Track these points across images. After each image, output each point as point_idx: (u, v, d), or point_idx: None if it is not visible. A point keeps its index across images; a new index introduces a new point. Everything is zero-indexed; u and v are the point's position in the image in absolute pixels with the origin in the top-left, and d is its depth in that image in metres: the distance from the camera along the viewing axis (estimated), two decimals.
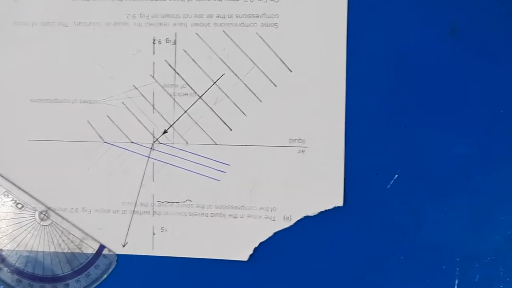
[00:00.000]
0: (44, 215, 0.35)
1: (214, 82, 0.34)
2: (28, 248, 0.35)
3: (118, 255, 0.35)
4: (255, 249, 0.34)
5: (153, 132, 0.35)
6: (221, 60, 0.34)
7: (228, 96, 0.34)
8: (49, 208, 0.35)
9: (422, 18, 0.33)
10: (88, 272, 0.35)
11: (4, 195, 0.35)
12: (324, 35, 0.33)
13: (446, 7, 0.33)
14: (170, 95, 0.34)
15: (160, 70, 0.34)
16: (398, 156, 0.33)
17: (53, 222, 0.35)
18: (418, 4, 0.33)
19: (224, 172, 0.34)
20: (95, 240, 0.35)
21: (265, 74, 0.34)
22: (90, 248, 0.35)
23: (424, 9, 0.33)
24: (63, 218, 0.35)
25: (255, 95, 0.34)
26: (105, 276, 0.35)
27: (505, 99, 0.33)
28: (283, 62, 0.34)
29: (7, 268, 0.35)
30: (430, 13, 0.33)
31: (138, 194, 0.35)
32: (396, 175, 0.33)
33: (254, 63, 0.34)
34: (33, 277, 0.35)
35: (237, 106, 0.34)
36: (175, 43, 0.34)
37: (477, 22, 0.33)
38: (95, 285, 0.35)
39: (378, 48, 0.33)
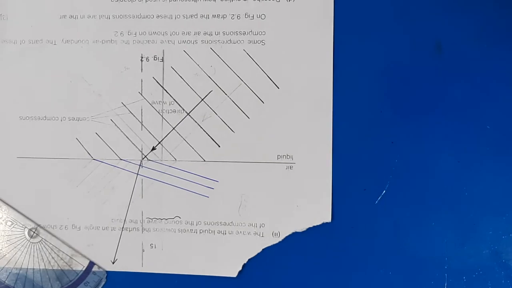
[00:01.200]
0: (34, 232, 0.35)
1: (202, 99, 0.34)
2: (18, 265, 0.35)
3: (108, 272, 0.35)
4: (244, 265, 0.34)
5: (142, 149, 0.35)
6: (209, 77, 0.34)
7: (216, 113, 0.34)
8: (38, 225, 0.35)
9: (407, 34, 0.33)
10: None
11: None
12: (311, 52, 0.33)
13: (431, 23, 0.33)
14: (158, 112, 0.34)
15: (148, 87, 0.34)
16: (386, 172, 0.33)
17: (43, 239, 0.35)
18: (403, 21, 0.33)
19: (213, 188, 0.34)
20: (84, 257, 0.35)
21: (252, 91, 0.34)
22: (80, 265, 0.35)
23: (410, 26, 0.33)
24: (53, 235, 0.35)
25: (242, 111, 0.34)
26: None
27: (491, 114, 0.33)
28: (270, 79, 0.34)
29: None
30: (415, 29, 0.33)
31: (127, 211, 0.35)
32: (384, 191, 0.33)
33: (241, 79, 0.34)
34: None
35: (225, 123, 0.34)
36: (162, 60, 0.34)
37: (463, 38, 0.33)
38: None
39: (365, 64, 0.33)
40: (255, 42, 0.34)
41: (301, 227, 0.34)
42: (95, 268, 0.35)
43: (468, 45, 0.33)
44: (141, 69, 0.34)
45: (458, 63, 0.33)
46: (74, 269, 0.35)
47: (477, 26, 0.33)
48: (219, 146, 0.34)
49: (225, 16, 0.34)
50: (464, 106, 0.33)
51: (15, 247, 0.35)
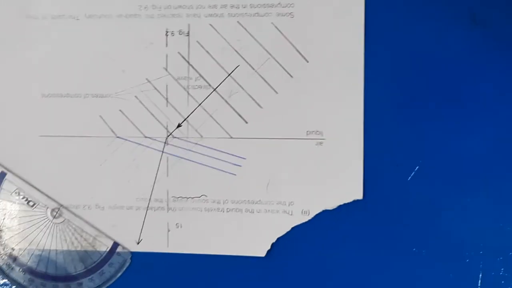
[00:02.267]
0: (57, 212, 0.35)
1: (229, 74, 0.33)
2: (40, 247, 0.35)
3: (133, 253, 0.34)
4: (273, 245, 0.33)
5: (167, 126, 0.34)
6: (236, 51, 0.33)
7: (243, 88, 0.33)
8: (61, 206, 0.35)
9: (441, 6, 0.32)
10: (102, 270, 0.34)
11: (15, 193, 0.35)
12: (341, 24, 0.33)
13: None
14: (184, 88, 0.34)
15: (173, 62, 0.34)
16: (419, 148, 0.32)
17: (66, 220, 0.35)
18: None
19: (240, 166, 0.33)
20: (108, 237, 0.34)
21: (280, 65, 0.33)
22: (104, 246, 0.34)
23: (446, 6, 0.32)
24: (76, 216, 0.34)
25: (270, 86, 0.33)
26: (119, 274, 0.34)
27: None
28: (299, 53, 0.33)
29: (19, 268, 0.34)
30: (448, 1, 0.32)
31: (152, 190, 0.34)
32: (417, 167, 0.32)
33: (269, 53, 0.33)
34: (45, 277, 0.34)
35: (252, 98, 0.33)
36: (188, 34, 0.34)
37: (498, 9, 0.32)
38: (109, 283, 0.34)
39: (397, 37, 0.32)
40: (283, 14, 0.33)
41: (331, 204, 0.33)
42: (119, 249, 0.34)
43: (504, 17, 0.32)
44: (166, 44, 0.34)
45: (494, 36, 0.32)
46: (98, 250, 0.34)
47: None
48: (247, 123, 0.33)
49: None
50: (500, 82, 0.32)
51: (37, 228, 0.35)
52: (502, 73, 0.32)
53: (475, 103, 0.32)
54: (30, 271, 0.34)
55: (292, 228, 0.33)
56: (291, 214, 0.33)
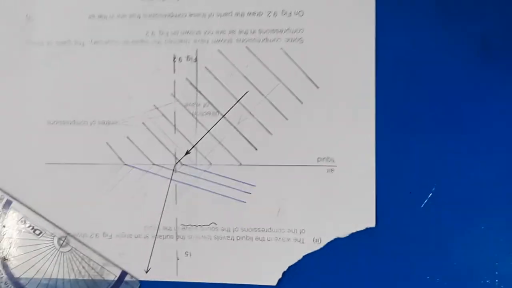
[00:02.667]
0: (63, 241, 0.34)
1: (238, 100, 0.33)
2: (47, 276, 0.34)
3: (141, 282, 0.34)
4: (284, 273, 0.33)
5: (175, 153, 0.33)
6: (245, 77, 0.33)
7: (252, 115, 0.33)
8: (68, 234, 0.34)
9: (452, 31, 0.32)
10: None
11: (21, 221, 0.34)
12: (352, 50, 0.32)
13: (476, 19, 0.31)
14: (192, 115, 0.33)
15: (181, 88, 0.33)
16: (432, 174, 0.32)
17: (73, 248, 0.34)
18: (447, 17, 0.32)
19: (250, 193, 0.33)
20: (116, 266, 0.34)
21: (290, 91, 0.33)
22: (112, 275, 0.34)
23: (454, 22, 0.31)
24: (83, 244, 0.34)
25: (280, 112, 0.33)
26: None
27: None
28: (309, 78, 0.32)
29: None
30: (459, 26, 0.31)
31: (161, 218, 0.33)
32: (430, 194, 0.32)
33: (279, 79, 0.33)
34: None
35: (262, 125, 0.33)
36: (196, 60, 0.33)
37: (509, 34, 0.31)
38: None
39: (408, 62, 0.32)
40: (293, 40, 0.32)
41: (343, 232, 0.32)
42: (127, 278, 0.34)
43: None
44: (174, 70, 0.33)
45: (504, 60, 0.31)
46: (105, 279, 0.34)
47: None
48: (256, 149, 0.33)
49: (261, 13, 0.32)
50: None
51: (44, 257, 0.34)
52: None
53: (488, 130, 0.32)
54: None
55: (304, 257, 0.33)
56: (303, 242, 0.33)
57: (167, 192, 0.33)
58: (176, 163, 0.33)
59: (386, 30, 0.32)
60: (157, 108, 0.33)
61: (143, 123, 0.33)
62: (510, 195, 0.31)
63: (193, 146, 0.33)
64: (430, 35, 0.32)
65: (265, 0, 0.32)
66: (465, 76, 0.32)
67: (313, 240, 0.33)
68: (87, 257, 0.34)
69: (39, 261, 0.34)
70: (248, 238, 0.33)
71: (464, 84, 0.32)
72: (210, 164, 0.33)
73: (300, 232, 0.33)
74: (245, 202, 0.33)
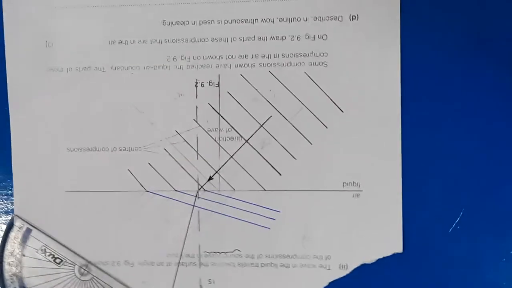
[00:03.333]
0: (84, 269, 0.33)
1: (261, 125, 0.32)
2: None
3: None
4: None
5: (198, 179, 0.33)
6: (268, 101, 0.32)
7: (276, 139, 0.32)
8: (89, 262, 0.33)
9: (481, 52, 0.31)
10: None
11: (41, 250, 0.33)
12: (377, 73, 0.32)
13: (508, 45, 0.31)
14: (215, 140, 0.33)
15: (204, 114, 0.33)
16: (460, 198, 0.31)
17: (94, 277, 0.33)
18: (476, 37, 0.31)
19: (274, 219, 0.32)
20: None
21: (314, 115, 0.32)
22: None
23: (482, 46, 0.31)
24: (104, 272, 0.33)
25: (305, 137, 0.32)
26: None
27: None
28: (334, 102, 0.32)
29: None
30: (493, 48, 0.31)
31: (183, 245, 0.33)
32: (458, 218, 0.31)
33: (302, 103, 0.32)
34: None
35: (286, 150, 0.32)
36: (218, 85, 0.33)
37: None
38: None
39: (434, 84, 0.32)
40: (316, 64, 0.32)
41: (370, 258, 0.32)
42: None
43: None
44: (196, 95, 0.33)
45: None
46: None
47: None
48: (280, 174, 0.32)
49: (284, 37, 0.32)
50: None
51: (65, 286, 0.33)
52: None
53: None
54: None
55: (330, 283, 0.32)
56: (329, 269, 0.32)
57: (190, 219, 0.33)
58: (199, 189, 0.33)
59: (412, 52, 0.31)
60: (179, 133, 0.33)
61: (165, 149, 0.33)
62: None
63: (216, 172, 0.33)
64: (458, 55, 0.31)
65: (288, 24, 0.32)
66: (496, 98, 0.31)
67: (339, 267, 0.32)
68: (108, 285, 0.33)
69: None
70: (273, 265, 0.32)
71: (494, 107, 0.31)
72: (234, 190, 0.33)
73: (326, 259, 0.32)
74: (269, 228, 0.32)
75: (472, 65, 0.31)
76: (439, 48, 0.32)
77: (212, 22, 0.33)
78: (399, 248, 0.32)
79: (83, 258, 0.33)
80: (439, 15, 0.31)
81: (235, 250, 0.33)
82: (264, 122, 0.32)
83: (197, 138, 0.33)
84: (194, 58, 0.33)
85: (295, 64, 0.32)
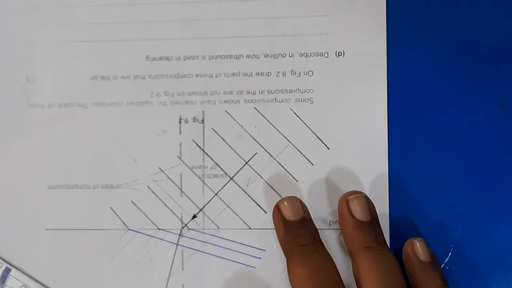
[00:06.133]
0: None
1: (246, 162, 0.32)
2: None
3: None
4: None
5: (182, 217, 0.32)
6: (253, 138, 0.32)
7: (261, 177, 0.32)
8: None
9: (469, 91, 0.31)
10: None
11: None
12: (363, 110, 0.31)
13: (494, 79, 0.31)
14: (199, 177, 0.32)
15: (188, 150, 0.32)
16: (448, 238, 0.31)
17: None
18: (464, 77, 0.31)
19: (260, 258, 0.32)
20: None
21: (300, 152, 0.32)
22: None
23: (471, 82, 0.31)
24: None
25: (290, 174, 0.32)
26: None
27: None
28: (320, 139, 0.32)
29: None
30: (477, 86, 0.31)
31: (167, 285, 0.32)
32: (447, 259, 0.31)
33: (288, 140, 0.32)
34: None
35: (271, 187, 0.32)
36: (203, 121, 0.32)
37: None
38: None
39: (422, 121, 0.31)
40: (302, 100, 0.32)
41: None
42: None
43: None
44: (180, 132, 0.32)
45: None
46: None
47: None
48: (266, 212, 0.32)
49: (269, 73, 0.32)
50: None
51: None
52: None
53: (505, 189, 0.31)
54: None
55: None
56: None
57: (173, 258, 0.32)
58: (183, 228, 0.32)
59: (399, 90, 0.31)
60: (162, 171, 0.32)
61: (148, 186, 0.32)
62: None
63: (200, 210, 0.32)
64: (445, 93, 0.31)
65: (273, 60, 0.32)
66: (482, 134, 0.31)
67: None
68: None
69: None
70: None
71: (481, 142, 0.31)
72: (218, 228, 0.32)
73: None
74: (255, 267, 0.32)
75: (459, 100, 0.31)
76: (426, 84, 0.31)
77: (197, 57, 0.32)
78: None
79: None
80: (425, 51, 0.31)
81: None
82: (250, 159, 0.32)
83: (181, 175, 0.32)
84: (178, 94, 0.32)
85: (280, 100, 0.32)
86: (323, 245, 0.29)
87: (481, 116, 0.31)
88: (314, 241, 0.28)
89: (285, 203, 0.29)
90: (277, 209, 0.29)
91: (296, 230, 0.28)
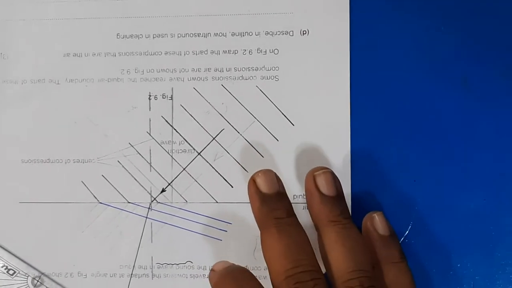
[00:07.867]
0: (37, 281, 0.33)
1: (214, 138, 0.33)
2: None
3: None
4: None
5: (151, 191, 0.33)
6: (220, 114, 0.33)
7: (228, 152, 0.33)
8: (42, 274, 0.33)
9: (433, 70, 0.32)
10: None
11: None
12: (327, 87, 0.32)
13: (458, 58, 0.32)
14: (168, 152, 0.33)
15: (157, 126, 0.33)
16: (408, 213, 0.32)
17: None
18: (428, 56, 0.32)
19: (226, 231, 0.33)
20: None
21: (266, 129, 0.33)
22: None
23: (435, 61, 0.32)
24: (58, 284, 0.33)
25: (256, 150, 0.33)
26: None
27: None
28: (285, 116, 0.32)
29: None
30: (441, 64, 0.32)
31: (136, 257, 0.33)
32: (407, 232, 0.32)
33: (254, 117, 0.33)
34: None
35: (238, 162, 0.33)
36: (171, 98, 0.33)
37: (488, 73, 0.32)
38: None
39: (385, 99, 0.32)
40: (268, 77, 0.32)
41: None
42: None
43: (493, 79, 0.31)
44: (149, 108, 0.33)
45: (483, 97, 0.32)
46: None
47: (502, 61, 0.31)
48: (232, 187, 0.33)
49: (236, 51, 0.33)
50: (490, 141, 0.32)
51: None
52: (492, 134, 0.32)
53: (465, 164, 0.32)
54: None
55: None
56: None
57: (143, 231, 0.33)
58: (152, 201, 0.33)
59: (362, 67, 0.32)
60: (132, 146, 0.33)
61: (118, 161, 0.33)
62: (486, 232, 0.31)
63: (169, 184, 0.33)
64: (409, 71, 0.32)
65: (240, 39, 0.33)
66: (445, 110, 0.32)
67: None
68: None
69: None
70: None
71: (444, 118, 0.32)
72: (186, 202, 0.33)
73: None
74: (221, 240, 0.33)
75: (423, 78, 0.32)
76: (389, 63, 0.32)
77: (166, 35, 0.33)
78: None
79: (36, 269, 0.33)
80: (388, 28, 0.32)
81: (187, 261, 0.33)
82: (217, 135, 0.33)
83: (150, 150, 0.33)
84: (148, 71, 0.33)
85: (247, 78, 0.33)
86: (297, 219, 0.29)
87: (444, 93, 0.32)
88: (289, 215, 0.29)
89: (261, 175, 0.29)
90: (253, 182, 0.29)
91: (272, 203, 0.29)
